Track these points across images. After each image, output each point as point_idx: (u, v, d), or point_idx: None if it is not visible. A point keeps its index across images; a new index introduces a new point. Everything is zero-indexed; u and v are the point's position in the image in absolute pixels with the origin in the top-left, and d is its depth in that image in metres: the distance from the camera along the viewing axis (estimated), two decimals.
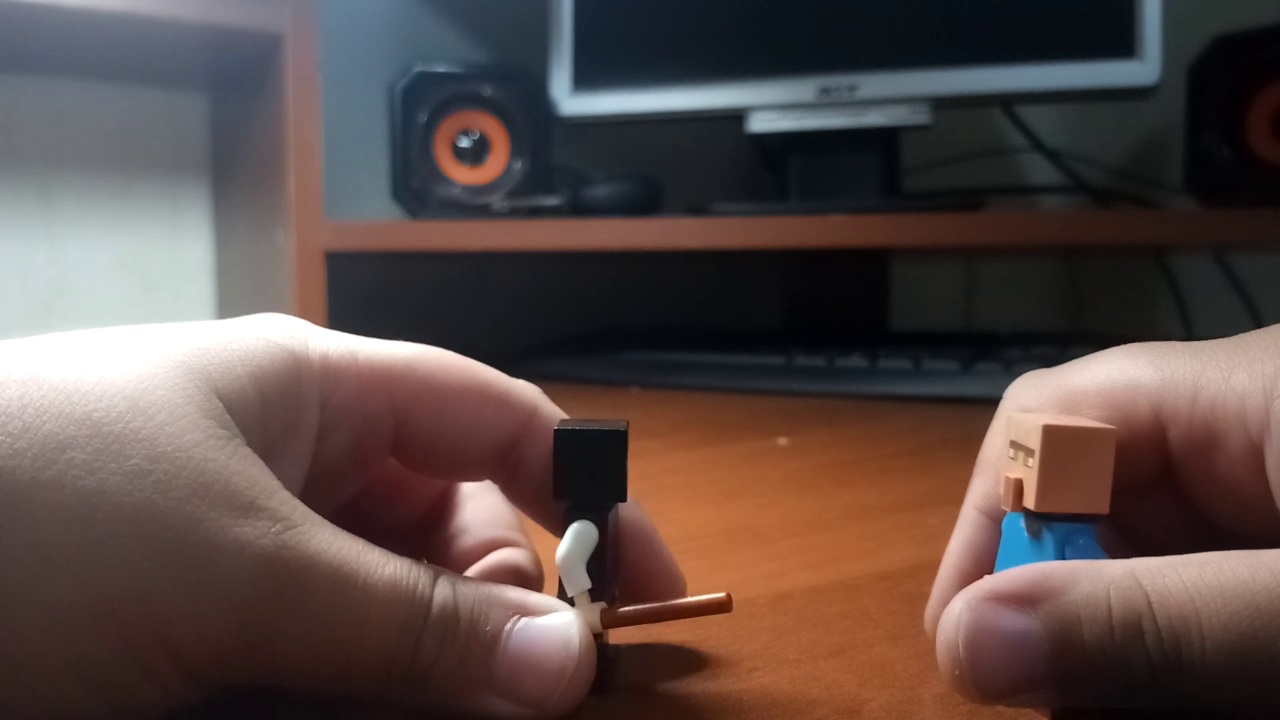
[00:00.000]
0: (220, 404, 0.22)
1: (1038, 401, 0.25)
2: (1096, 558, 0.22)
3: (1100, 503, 0.23)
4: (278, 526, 0.20)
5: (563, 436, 0.25)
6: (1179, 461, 0.24)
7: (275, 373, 0.23)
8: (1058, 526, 0.23)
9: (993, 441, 0.27)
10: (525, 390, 0.27)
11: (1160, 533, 0.26)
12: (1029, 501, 0.23)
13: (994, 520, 0.26)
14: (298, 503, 0.21)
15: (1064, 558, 0.23)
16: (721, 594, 0.24)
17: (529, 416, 0.27)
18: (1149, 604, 0.20)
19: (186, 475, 0.20)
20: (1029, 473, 0.23)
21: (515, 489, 0.27)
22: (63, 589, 0.19)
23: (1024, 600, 0.21)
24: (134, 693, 0.20)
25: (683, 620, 0.29)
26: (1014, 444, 0.24)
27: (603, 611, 0.24)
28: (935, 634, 0.26)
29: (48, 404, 0.20)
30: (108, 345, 0.22)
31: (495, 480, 0.28)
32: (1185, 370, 0.24)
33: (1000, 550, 0.25)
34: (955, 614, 0.21)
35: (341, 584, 0.21)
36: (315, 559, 0.20)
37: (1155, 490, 0.25)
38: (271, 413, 0.23)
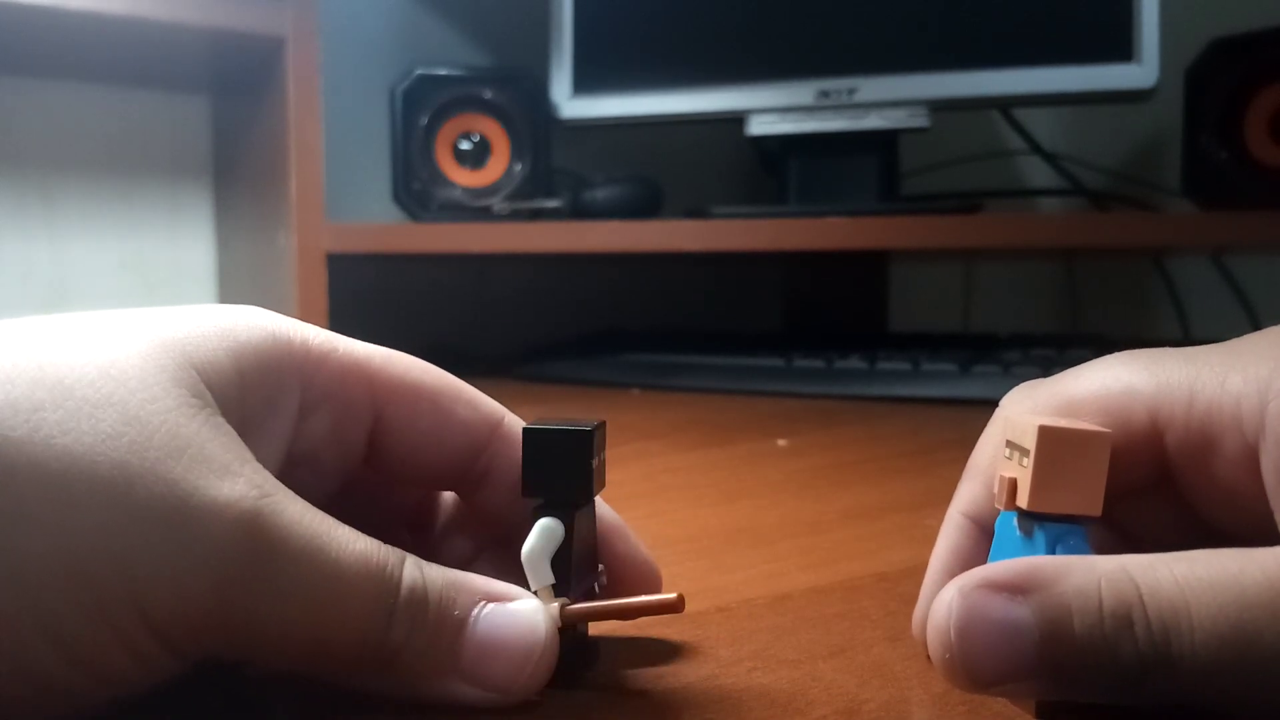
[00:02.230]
0: (195, 374, 0.21)
1: (1033, 410, 0.26)
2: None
3: (1093, 505, 0.23)
4: (255, 491, 0.20)
5: (531, 435, 0.25)
6: (1176, 466, 0.24)
7: (254, 349, 0.24)
8: (1050, 526, 0.23)
9: (984, 448, 0.27)
10: (492, 400, 0.27)
11: (1157, 535, 0.26)
12: (1022, 501, 0.23)
13: (980, 526, 0.26)
14: (269, 474, 0.21)
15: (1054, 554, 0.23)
16: (673, 595, 0.24)
17: (497, 423, 0.27)
18: (1140, 596, 0.20)
19: (160, 438, 0.20)
20: (1024, 472, 0.23)
21: (481, 498, 0.28)
22: (35, 549, 0.18)
23: (1016, 589, 0.21)
24: (108, 660, 0.19)
25: (682, 620, 0.30)
26: (1010, 444, 0.24)
27: (562, 606, 0.24)
28: (922, 637, 0.26)
29: (18, 371, 0.19)
30: (85, 324, 0.22)
31: (460, 491, 0.28)
32: (1180, 375, 0.24)
33: (992, 550, 0.25)
34: (947, 600, 0.21)
35: (316, 554, 0.20)
36: (289, 528, 0.20)
37: (1152, 494, 0.25)
38: (250, 388, 0.23)
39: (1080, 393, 0.25)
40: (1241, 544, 0.21)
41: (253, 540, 0.20)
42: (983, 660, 0.21)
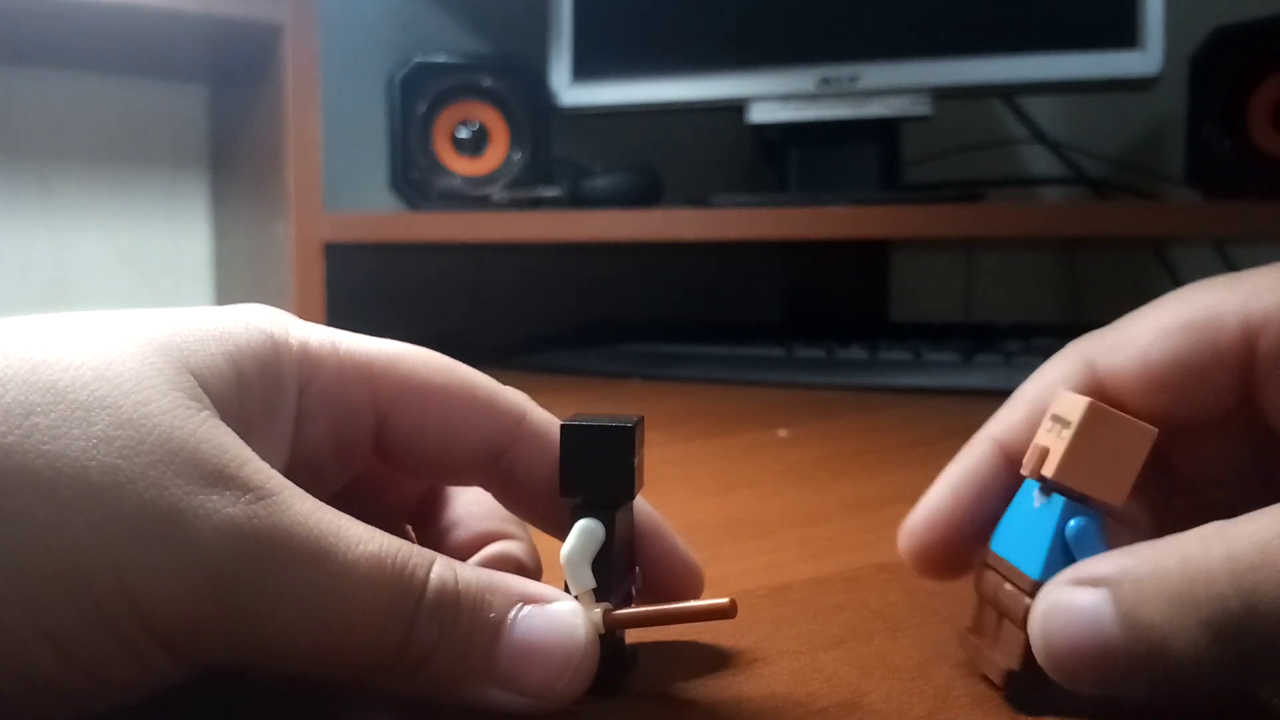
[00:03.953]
0: (192, 379, 0.21)
1: (1108, 348, 0.25)
2: (1096, 546, 0.23)
3: (1117, 494, 0.23)
4: (248, 496, 0.20)
5: (569, 431, 0.24)
6: (1267, 374, 0.24)
7: (253, 353, 0.23)
8: (1068, 501, 0.23)
9: (1039, 379, 0.26)
10: (512, 395, 0.26)
11: (1220, 475, 0.26)
12: (1049, 469, 0.23)
13: (1005, 453, 0.26)
14: (274, 473, 0.21)
15: (1065, 526, 0.23)
16: (724, 600, 0.23)
17: (517, 422, 0.26)
18: (1222, 546, 0.20)
19: (152, 441, 0.19)
20: (1060, 444, 0.23)
21: (511, 496, 0.27)
22: (30, 554, 0.18)
23: (1090, 582, 0.21)
24: (108, 665, 0.19)
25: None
26: (1054, 417, 0.24)
27: (604, 612, 0.23)
28: (907, 549, 0.26)
29: (12, 373, 0.19)
30: (79, 324, 0.21)
31: (488, 487, 0.27)
32: (1266, 280, 0.24)
33: (1004, 518, 0.25)
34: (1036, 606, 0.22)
35: (320, 556, 0.20)
36: (290, 529, 0.20)
37: (1228, 424, 0.25)
38: (248, 392, 0.23)
39: (1163, 322, 0.24)
40: None
41: (247, 543, 0.19)
42: (1066, 651, 0.21)
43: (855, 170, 0.91)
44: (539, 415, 0.26)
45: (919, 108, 0.87)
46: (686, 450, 0.55)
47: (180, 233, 1.00)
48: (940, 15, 0.88)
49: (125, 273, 0.98)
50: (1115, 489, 0.23)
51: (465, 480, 0.27)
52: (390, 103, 0.90)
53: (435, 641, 0.21)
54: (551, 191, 0.90)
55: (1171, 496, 0.26)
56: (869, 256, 1.21)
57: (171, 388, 0.20)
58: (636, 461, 0.24)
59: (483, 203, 0.90)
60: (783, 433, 0.60)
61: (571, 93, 0.94)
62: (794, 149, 0.93)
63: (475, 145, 0.92)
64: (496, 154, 0.92)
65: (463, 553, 0.28)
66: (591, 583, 0.23)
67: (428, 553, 0.22)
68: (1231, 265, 1.05)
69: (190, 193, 1.00)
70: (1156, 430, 0.23)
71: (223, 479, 0.20)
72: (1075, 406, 0.23)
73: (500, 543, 0.28)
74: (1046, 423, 0.24)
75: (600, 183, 0.92)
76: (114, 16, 0.76)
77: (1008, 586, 0.24)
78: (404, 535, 0.30)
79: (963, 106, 1.06)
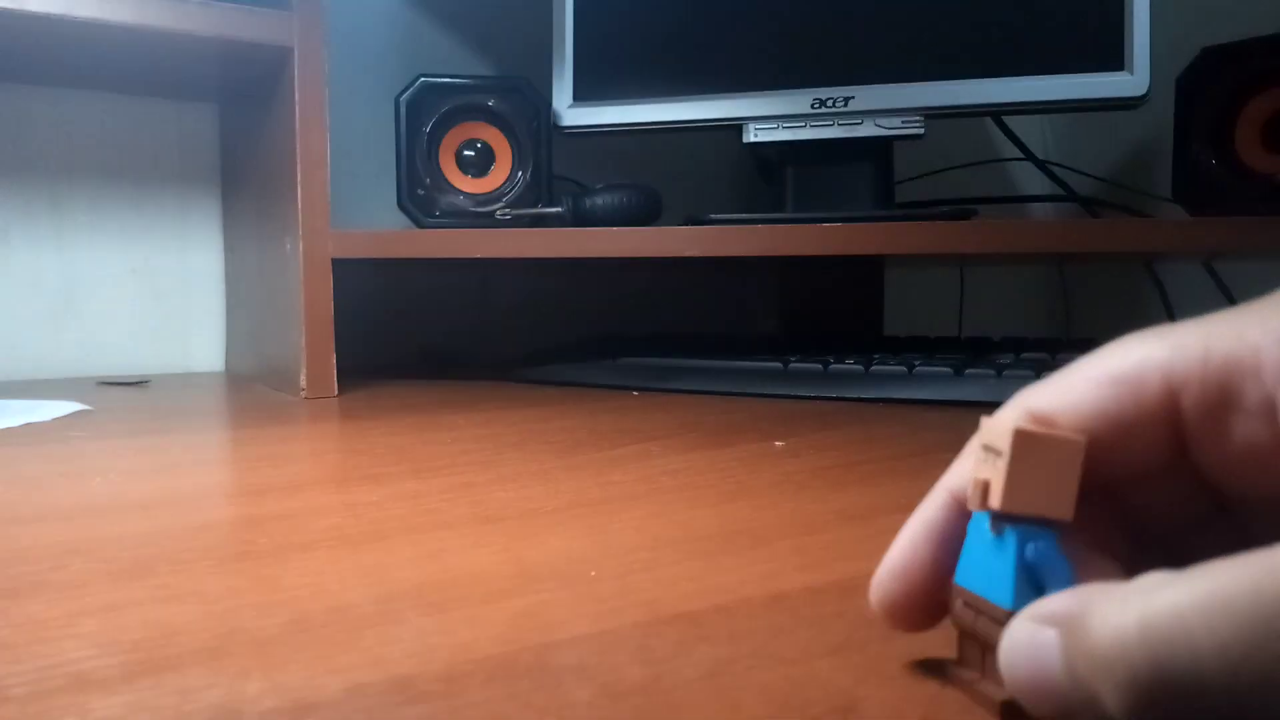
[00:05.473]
0: None
1: (1047, 397, 0.25)
2: (1057, 562, 0.23)
3: (1065, 509, 0.23)
4: None
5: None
6: (1192, 430, 0.23)
7: None
8: (1021, 527, 0.24)
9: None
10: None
11: (1169, 519, 0.25)
12: (994, 501, 0.23)
13: (960, 501, 0.26)
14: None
15: (1024, 556, 0.23)
16: None
17: None
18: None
19: None
20: (997, 474, 0.23)
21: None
22: None
23: (1048, 620, 0.21)
24: None
25: (680, 619, 0.30)
26: (986, 447, 0.24)
27: None
28: (874, 602, 0.26)
29: None
30: None
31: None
32: (1194, 335, 0.23)
33: (962, 553, 0.25)
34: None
35: None
36: None
37: (1167, 474, 0.24)
38: None
39: (1093, 372, 0.24)
40: (1261, 514, 0.21)
41: None
42: (1026, 686, 0.21)
43: (850, 188, 0.92)
44: None
45: (911, 128, 0.88)
46: (685, 461, 0.55)
47: (190, 249, 1.01)
48: (932, 39, 0.89)
49: (136, 289, 0.98)
50: (1060, 505, 0.23)
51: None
52: (397, 122, 0.91)
53: None
54: (553, 209, 0.91)
55: (1144, 546, 0.26)
56: (864, 272, 1.22)
57: None
58: None
59: (486, 220, 0.91)
60: (779, 444, 0.60)
61: (573, 113, 0.95)
62: (790, 168, 0.94)
63: (480, 164, 0.93)
64: (500, 173, 0.93)
65: None
66: None
67: None
68: (1220, 280, 1.07)
69: (200, 210, 1.01)
70: (1085, 439, 0.23)
71: None
72: (1002, 434, 0.23)
73: None
74: (979, 452, 0.24)
75: (601, 201, 0.93)
76: (127, 38, 0.77)
77: (983, 618, 0.24)
78: None
79: (954, 126, 1.07)
